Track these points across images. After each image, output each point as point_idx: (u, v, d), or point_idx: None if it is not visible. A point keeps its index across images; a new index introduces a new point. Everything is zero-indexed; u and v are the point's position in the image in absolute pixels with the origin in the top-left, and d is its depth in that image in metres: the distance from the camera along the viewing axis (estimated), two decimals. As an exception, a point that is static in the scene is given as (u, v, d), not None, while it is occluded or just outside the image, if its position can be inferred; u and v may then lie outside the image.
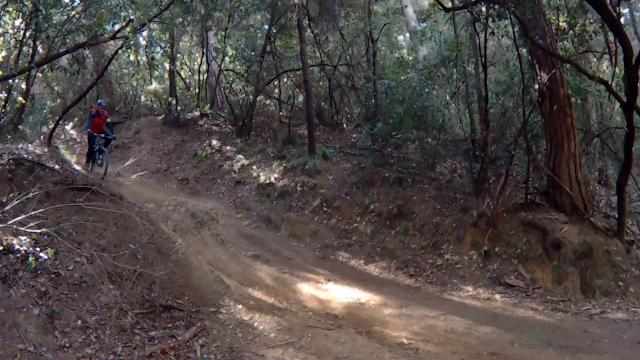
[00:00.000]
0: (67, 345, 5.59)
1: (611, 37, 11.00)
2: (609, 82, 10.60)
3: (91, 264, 6.70)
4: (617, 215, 11.21)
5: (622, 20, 10.10)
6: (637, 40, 17.61)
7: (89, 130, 14.62)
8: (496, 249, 11.37)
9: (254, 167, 16.87)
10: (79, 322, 5.92)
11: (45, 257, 6.21)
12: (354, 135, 18.74)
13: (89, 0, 11.10)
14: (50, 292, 5.97)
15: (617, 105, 12.05)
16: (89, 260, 6.73)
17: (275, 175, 16.03)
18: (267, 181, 15.89)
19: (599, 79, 10.76)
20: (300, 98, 21.20)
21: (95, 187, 8.58)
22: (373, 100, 17.26)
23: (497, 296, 10.16)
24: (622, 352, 7.22)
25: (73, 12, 11.81)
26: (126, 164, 12.61)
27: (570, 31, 11.24)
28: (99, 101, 15.93)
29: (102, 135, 14.61)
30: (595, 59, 13.82)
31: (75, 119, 23.42)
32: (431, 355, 7.15)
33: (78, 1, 11.71)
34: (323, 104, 20.84)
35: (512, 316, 9.07)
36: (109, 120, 15.23)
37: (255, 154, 17.82)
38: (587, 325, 8.48)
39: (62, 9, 11.71)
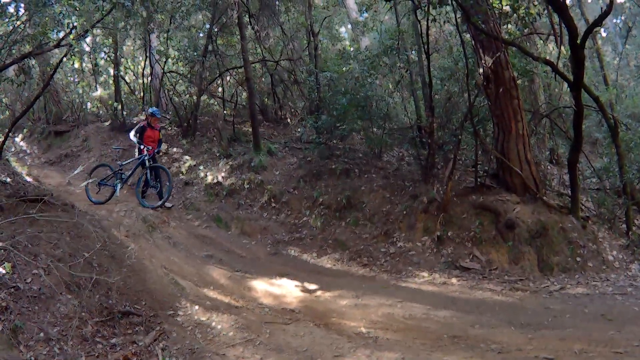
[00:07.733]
0: (32, 359, 5.39)
1: (556, 19, 11.11)
2: (555, 63, 10.72)
3: (48, 275, 6.46)
4: (570, 193, 11.37)
5: (567, 1, 10.18)
6: (584, 20, 17.95)
7: (139, 145, 12.72)
8: (449, 234, 11.37)
9: (201, 167, 16.70)
10: (42, 334, 5.70)
11: (3, 271, 6.02)
12: (299, 130, 18.63)
13: (33, 9, 10.98)
14: (11, 306, 5.76)
15: (565, 85, 12.22)
16: (46, 271, 6.50)
17: (223, 174, 15.86)
18: (215, 180, 15.72)
19: (545, 60, 10.89)
20: (244, 95, 21.03)
21: (47, 197, 8.33)
22: (316, 93, 17.19)
23: (454, 280, 10.13)
24: (586, 326, 7.21)
25: (18, 22, 11.66)
26: (75, 172, 12.25)
27: (514, 14, 11.32)
28: (150, 110, 13.32)
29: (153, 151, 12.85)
30: (541, 41, 13.97)
31: (24, 130, 23.20)
32: (391, 343, 6.99)
33: (23, 11, 11.58)
34: (266, 100, 20.75)
35: (471, 298, 9.01)
36: (161, 136, 13.43)
37: (201, 154, 17.66)
38: (547, 302, 8.48)
39: (7, 20, 11.62)
